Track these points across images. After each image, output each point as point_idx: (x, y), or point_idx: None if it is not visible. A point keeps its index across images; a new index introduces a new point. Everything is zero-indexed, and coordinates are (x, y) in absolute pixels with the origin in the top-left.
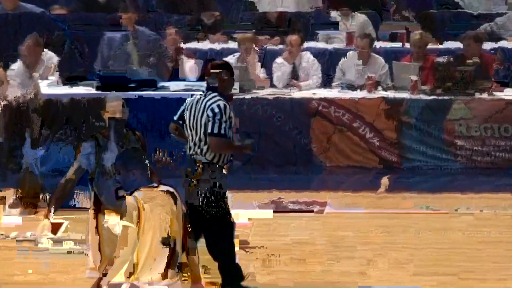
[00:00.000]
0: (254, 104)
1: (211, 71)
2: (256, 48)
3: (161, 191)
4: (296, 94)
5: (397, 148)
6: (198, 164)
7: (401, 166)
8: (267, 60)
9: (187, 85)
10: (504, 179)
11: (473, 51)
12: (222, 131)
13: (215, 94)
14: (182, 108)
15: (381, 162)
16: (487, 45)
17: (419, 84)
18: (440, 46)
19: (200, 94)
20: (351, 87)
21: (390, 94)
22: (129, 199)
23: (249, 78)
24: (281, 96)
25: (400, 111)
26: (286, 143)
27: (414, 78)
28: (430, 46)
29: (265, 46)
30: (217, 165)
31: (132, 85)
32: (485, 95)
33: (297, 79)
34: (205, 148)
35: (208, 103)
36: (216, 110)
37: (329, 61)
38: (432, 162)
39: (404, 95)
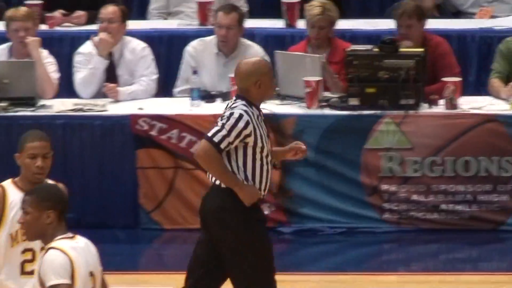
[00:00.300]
0: (40, 126)
1: (241, 74)
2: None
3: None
4: (112, 108)
5: (282, 199)
6: (218, 195)
7: (290, 228)
8: (65, 50)
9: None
10: (464, 249)
11: (415, 35)
12: (217, 139)
13: (242, 102)
14: None
15: None
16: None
17: (321, 89)
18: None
19: (227, 105)
20: (207, 95)
21: (273, 107)
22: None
23: (33, 82)
24: (88, 112)
25: (287, 135)
26: (96, 191)
27: (313, 79)
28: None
29: (59, 26)
30: None
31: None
32: (434, 109)
33: (115, 81)
34: None
35: (228, 112)
36: (225, 116)
37: (170, 51)
38: (339, 220)
39: (296, 109)
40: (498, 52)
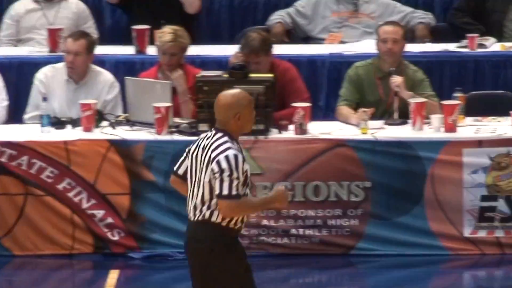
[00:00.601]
0: None
1: (219, 106)
2: None
3: None
4: None
5: (132, 224)
6: (202, 234)
7: (140, 253)
8: None
9: None
10: (314, 274)
11: (264, 68)
12: (234, 191)
13: (224, 138)
14: (184, 155)
15: (105, 246)
16: (285, 49)
17: (171, 115)
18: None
19: (205, 136)
20: (57, 122)
21: (122, 133)
22: None
23: None
24: None
25: (137, 161)
26: None
27: (162, 105)
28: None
29: None
30: (230, 228)
31: None
32: (283, 134)
33: None
34: (208, 213)
35: (214, 154)
36: (224, 165)
37: (20, 78)
38: None
39: (145, 135)
40: (347, 78)
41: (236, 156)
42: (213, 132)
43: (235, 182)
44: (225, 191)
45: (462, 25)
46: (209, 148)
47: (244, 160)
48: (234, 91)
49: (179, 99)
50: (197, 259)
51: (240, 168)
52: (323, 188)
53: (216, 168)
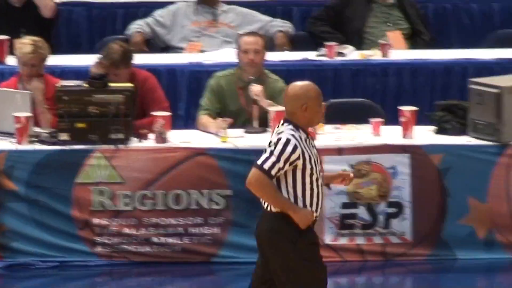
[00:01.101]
0: None
1: (288, 97)
2: None
3: None
4: None
5: None
6: (269, 219)
7: (2, 262)
8: None
9: None
10: (177, 282)
11: (123, 78)
12: (267, 166)
13: (289, 126)
14: None
15: None
16: (144, 58)
17: (31, 125)
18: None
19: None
20: None
21: None
22: None
23: None
24: None
25: None
26: None
27: (23, 115)
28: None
29: None
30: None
31: None
32: (144, 143)
33: None
34: None
35: (275, 137)
36: (274, 141)
37: None
38: (51, 255)
39: (6, 144)
40: (208, 87)
41: (288, 140)
42: (281, 122)
43: (272, 159)
44: (260, 161)
45: (320, 33)
46: (276, 132)
47: (295, 149)
48: (303, 82)
49: (36, 109)
50: (274, 250)
51: (286, 152)
52: (184, 197)
53: (268, 145)
